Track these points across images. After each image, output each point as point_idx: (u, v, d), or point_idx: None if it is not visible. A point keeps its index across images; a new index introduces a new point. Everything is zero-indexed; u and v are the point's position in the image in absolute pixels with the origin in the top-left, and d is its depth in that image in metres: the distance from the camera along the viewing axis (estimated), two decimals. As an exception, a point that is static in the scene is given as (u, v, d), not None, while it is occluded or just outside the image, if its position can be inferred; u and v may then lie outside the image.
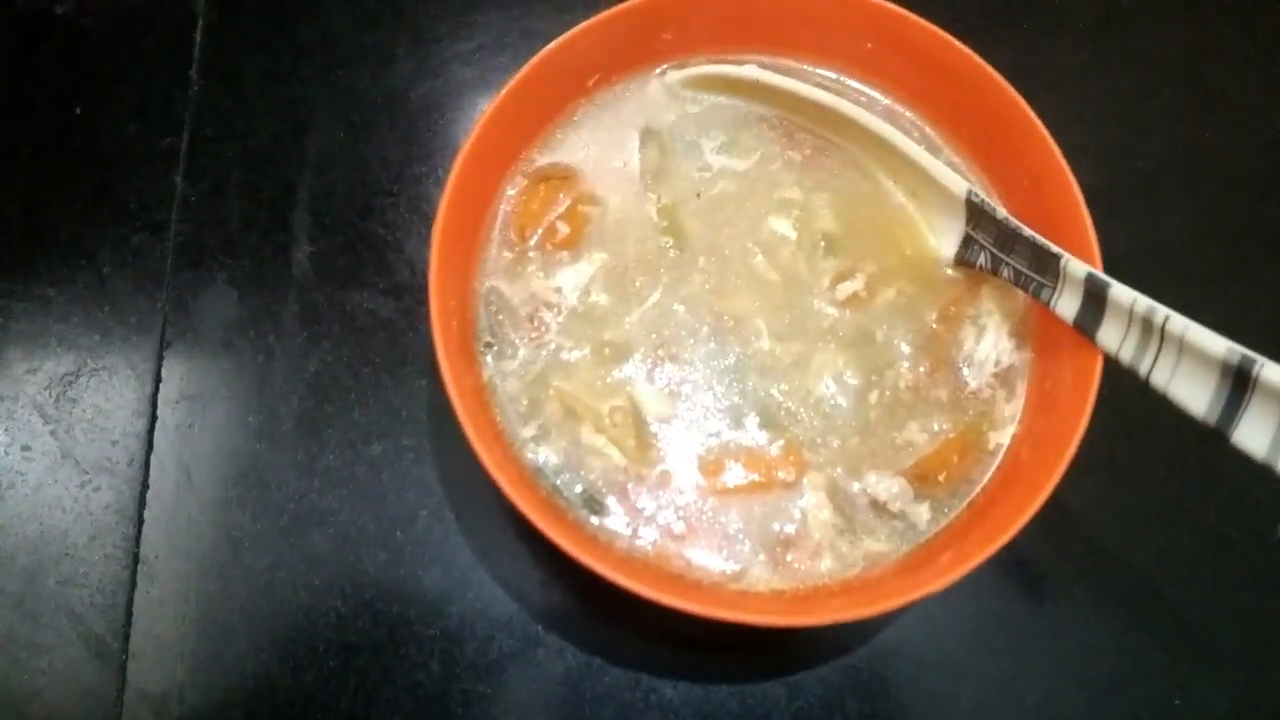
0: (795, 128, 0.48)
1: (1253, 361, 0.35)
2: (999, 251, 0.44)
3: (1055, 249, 0.41)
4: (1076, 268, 0.41)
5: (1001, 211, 0.44)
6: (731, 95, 0.49)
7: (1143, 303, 0.39)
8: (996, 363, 0.45)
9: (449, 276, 0.42)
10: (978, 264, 0.45)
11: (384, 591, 0.49)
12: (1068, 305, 0.42)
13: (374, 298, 0.54)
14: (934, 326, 0.45)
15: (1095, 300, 0.41)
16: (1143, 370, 0.39)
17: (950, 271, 0.46)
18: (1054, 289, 0.42)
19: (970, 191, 0.44)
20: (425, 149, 0.57)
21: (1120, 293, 0.39)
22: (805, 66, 0.50)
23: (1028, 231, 0.43)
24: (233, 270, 0.54)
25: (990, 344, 0.45)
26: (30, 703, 0.46)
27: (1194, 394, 0.38)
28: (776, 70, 0.48)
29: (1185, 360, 0.38)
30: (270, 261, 0.55)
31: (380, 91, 0.58)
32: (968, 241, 0.45)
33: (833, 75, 0.50)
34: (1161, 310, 0.38)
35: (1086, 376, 0.40)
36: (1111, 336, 0.40)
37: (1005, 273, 0.44)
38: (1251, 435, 0.36)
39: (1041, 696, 0.48)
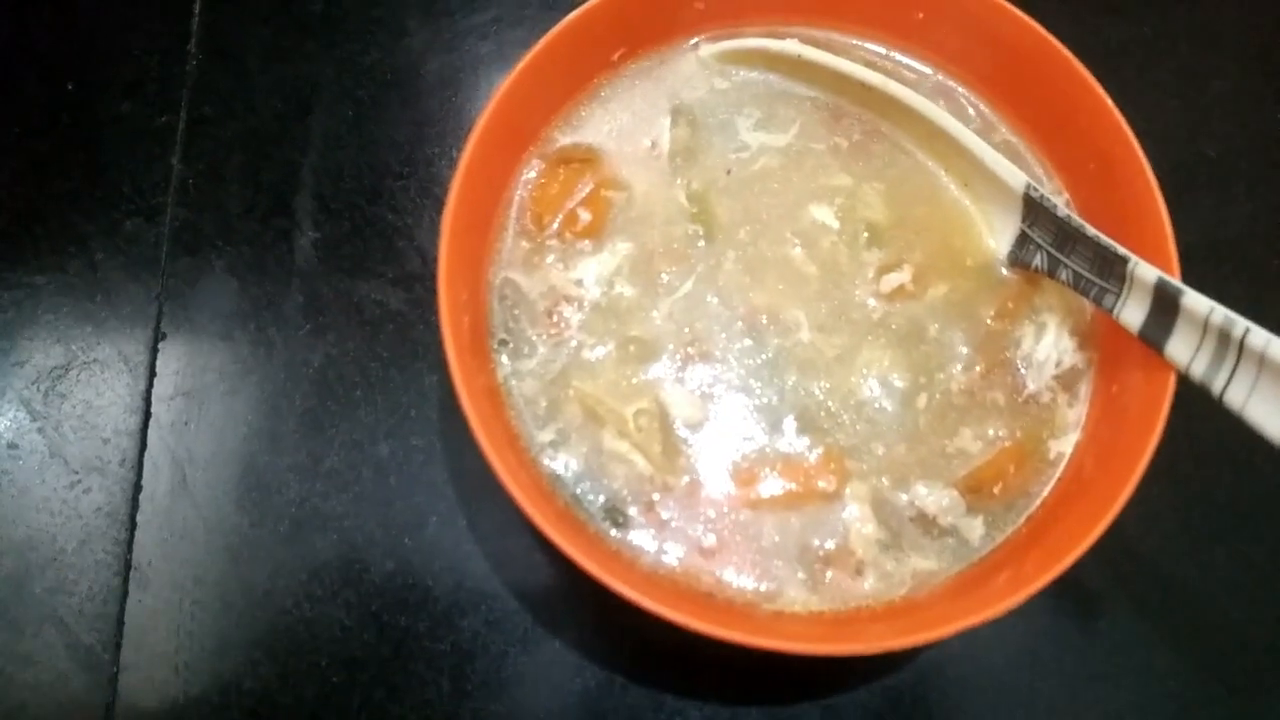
0: (840, 112, 0.46)
1: None
2: (1057, 252, 0.43)
3: (1123, 251, 0.39)
4: (1146, 272, 0.39)
5: (1063, 209, 0.41)
6: (770, 71, 0.47)
7: (1219, 313, 0.37)
8: (1058, 364, 0.43)
9: (460, 268, 0.39)
10: (1033, 265, 0.43)
11: (391, 603, 0.48)
12: (1134, 313, 0.40)
13: (382, 288, 0.53)
14: (989, 323, 0.43)
15: (1166, 308, 0.39)
16: (1216, 388, 0.37)
17: (1005, 272, 0.44)
18: (1118, 295, 0.40)
19: (1029, 185, 0.42)
20: (437, 129, 0.55)
21: (1194, 301, 0.37)
22: (851, 40, 0.48)
23: (1091, 231, 0.40)
24: (232, 258, 0.53)
25: (1051, 343, 0.43)
26: (15, 717, 0.45)
27: (1273, 416, 0.36)
28: (819, 45, 0.46)
29: (1265, 378, 0.36)
30: (272, 249, 0.54)
31: (389, 68, 0.56)
32: (1023, 240, 0.43)
33: (881, 49, 0.48)
34: (1241, 322, 0.36)
35: (1160, 382, 0.38)
36: (1182, 349, 0.38)
37: (1064, 275, 0.42)
38: None
39: (1097, 722, 0.45)
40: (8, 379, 0.50)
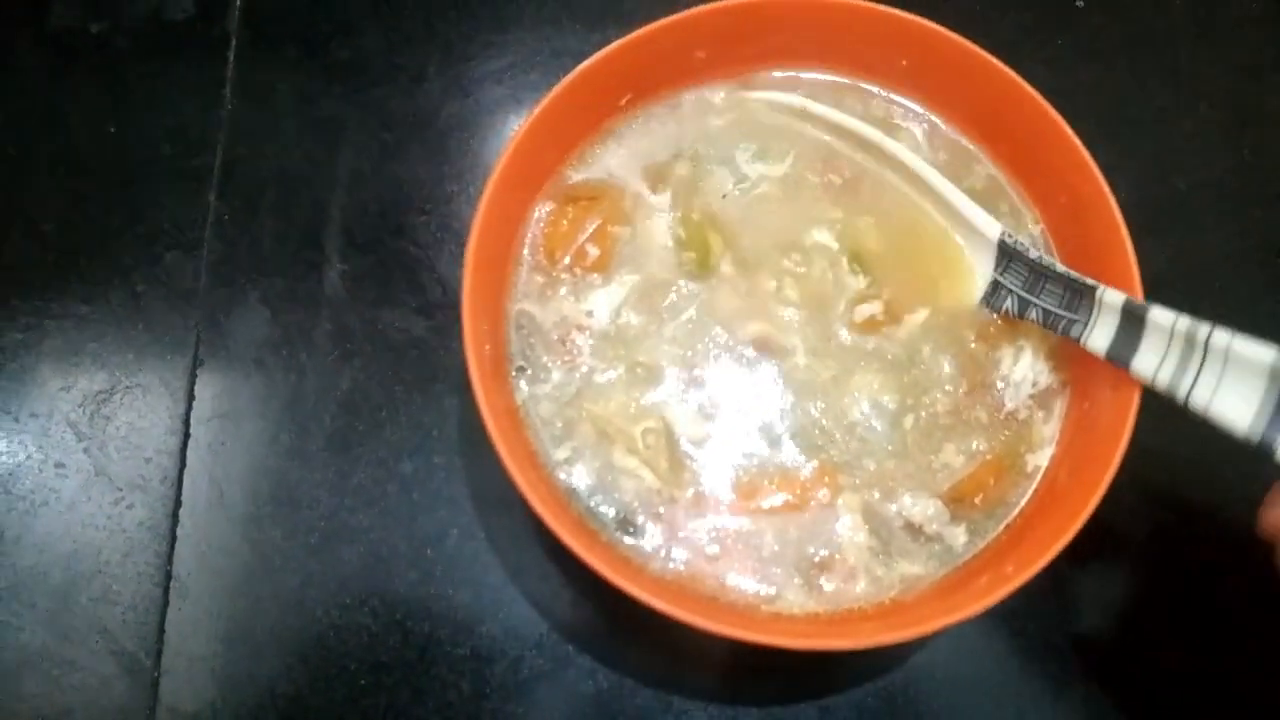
0: (833, 151, 0.49)
1: None
2: (1027, 294, 0.45)
3: (1091, 281, 0.41)
4: (1113, 296, 0.41)
5: (1034, 252, 0.44)
6: (773, 112, 0.49)
7: (1184, 321, 0.39)
8: (1034, 384, 0.45)
9: (481, 301, 0.42)
10: (1003, 309, 0.45)
11: (414, 610, 0.49)
12: (1101, 337, 0.42)
13: (405, 316, 0.54)
14: (972, 346, 0.45)
15: (1133, 326, 0.41)
16: (1181, 393, 0.39)
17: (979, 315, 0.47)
18: (1086, 324, 0.42)
19: (1004, 232, 0.45)
20: (456, 168, 0.57)
21: (1160, 314, 0.39)
22: (846, 80, 0.50)
23: (1061, 268, 0.43)
24: (265, 289, 0.55)
25: (1028, 365, 0.45)
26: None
27: (1239, 409, 0.37)
28: (820, 81, 0.49)
29: (1230, 374, 0.38)
30: (302, 280, 0.56)
31: (411, 111, 0.58)
32: (994, 287, 0.46)
33: (875, 88, 0.50)
34: (1205, 325, 0.38)
35: (1126, 397, 0.40)
36: (1149, 361, 0.40)
37: (1033, 314, 0.44)
38: None
39: (1078, 722, 0.48)
40: (55, 402, 0.52)
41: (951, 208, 0.46)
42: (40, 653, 0.48)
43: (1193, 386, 0.39)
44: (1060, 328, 0.43)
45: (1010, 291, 0.45)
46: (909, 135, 0.50)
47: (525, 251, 0.46)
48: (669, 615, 0.38)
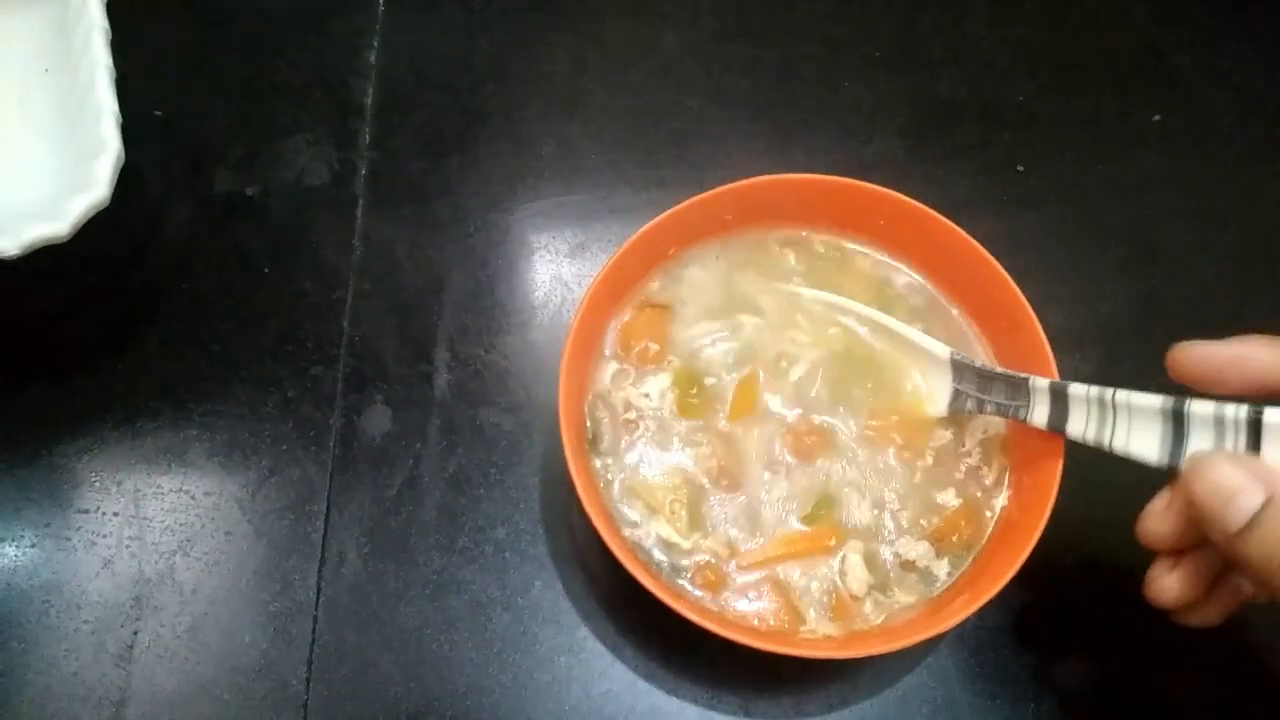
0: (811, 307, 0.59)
1: (1183, 400, 0.42)
2: (981, 394, 0.52)
3: (1023, 375, 0.50)
4: (1040, 382, 0.49)
5: (978, 361, 0.52)
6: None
7: (1094, 389, 0.46)
8: (986, 453, 0.55)
9: (571, 392, 0.53)
10: (966, 409, 0.53)
11: (508, 644, 0.56)
12: (1040, 415, 0.49)
13: (497, 414, 0.62)
14: (947, 435, 0.56)
15: (1060, 401, 0.48)
16: (1105, 442, 0.46)
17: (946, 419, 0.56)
18: (1027, 407, 0.50)
19: (952, 353, 0.53)
20: (533, 299, 0.66)
21: (1076, 388, 0.47)
22: (834, 238, 0.59)
23: (1001, 370, 0.52)
24: (388, 393, 0.62)
25: (980, 439, 0.55)
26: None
27: (1147, 443, 0.44)
28: (813, 236, 0.60)
29: (1135, 420, 0.44)
30: (417, 387, 0.63)
31: (499, 255, 0.67)
32: (956, 395, 0.54)
33: (858, 247, 0.59)
34: (1110, 389, 0.45)
35: (1055, 450, 0.50)
36: (1077, 424, 0.47)
37: (988, 408, 0.52)
38: None
39: (1034, 732, 0.56)
40: (225, 484, 0.60)
41: (913, 343, 0.55)
42: (212, 681, 0.56)
43: (1112, 436, 0.45)
44: (1010, 413, 0.51)
45: (968, 395, 0.53)
46: (895, 286, 0.58)
47: (606, 350, 0.57)
48: (720, 635, 0.47)
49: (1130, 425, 0.45)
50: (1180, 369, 0.44)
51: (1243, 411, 0.41)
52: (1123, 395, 0.45)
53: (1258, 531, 0.40)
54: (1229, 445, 0.42)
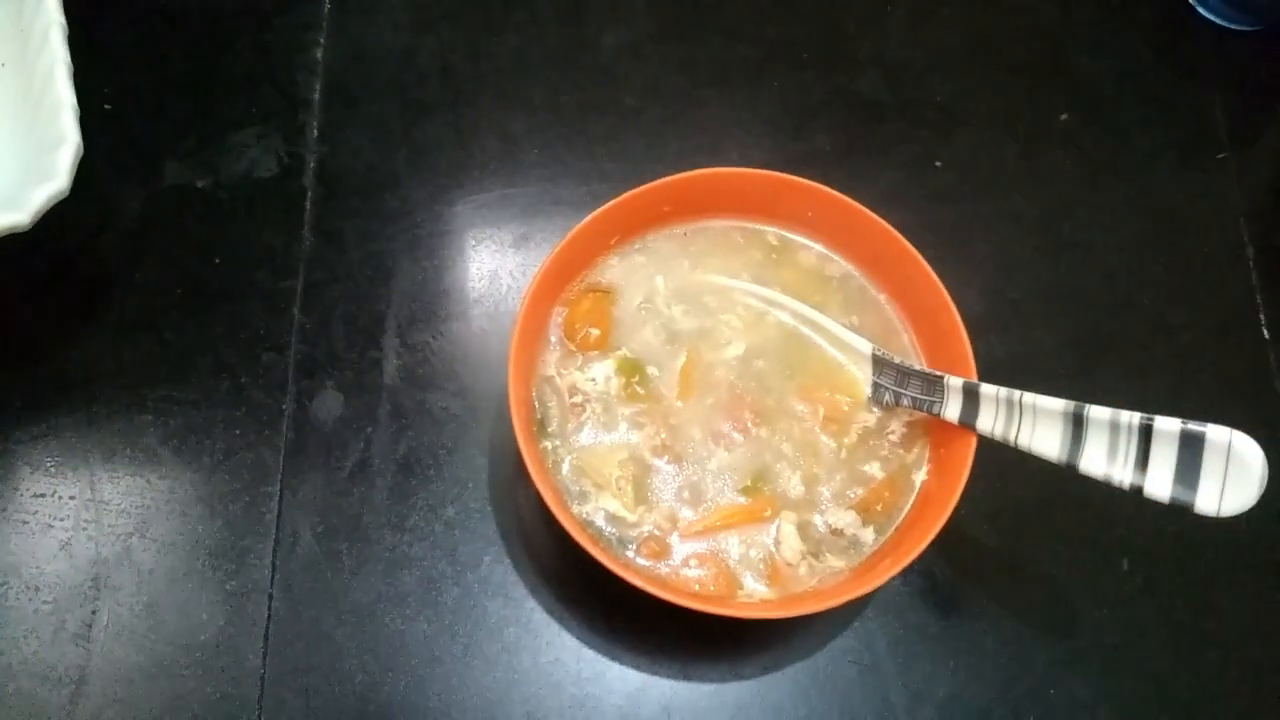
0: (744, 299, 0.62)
1: (1083, 406, 0.46)
2: (899, 388, 0.56)
3: (938, 373, 0.53)
4: (954, 381, 0.52)
5: (898, 359, 0.56)
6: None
7: (1003, 390, 0.49)
8: (909, 434, 0.59)
9: (520, 376, 0.55)
10: (884, 401, 0.57)
11: (459, 617, 0.59)
12: (953, 411, 0.53)
13: (445, 398, 0.64)
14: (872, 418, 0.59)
15: (972, 400, 0.52)
16: (1011, 438, 0.49)
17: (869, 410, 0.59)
18: (941, 402, 0.53)
19: (874, 349, 0.57)
20: (480, 287, 0.69)
21: (987, 388, 0.50)
22: (768, 228, 0.62)
23: (918, 367, 0.56)
24: (339, 379, 0.64)
25: (904, 423, 0.59)
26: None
27: (1049, 443, 0.48)
28: (749, 226, 0.63)
29: (1039, 421, 0.48)
30: (367, 372, 0.65)
31: (445, 245, 0.69)
32: (876, 388, 0.57)
33: (794, 236, 0.62)
34: (1018, 392, 0.49)
35: (968, 442, 0.53)
36: (986, 421, 0.51)
37: (905, 402, 0.55)
38: (1092, 461, 0.46)
39: (950, 690, 0.59)
40: (180, 468, 0.62)
41: (840, 339, 0.59)
42: (171, 658, 0.58)
43: (1018, 433, 0.49)
44: (925, 408, 0.54)
45: (887, 389, 0.56)
46: (832, 277, 0.61)
47: (550, 337, 0.59)
48: (663, 599, 0.50)
49: (1035, 425, 0.49)
50: None
51: (1136, 419, 0.45)
52: (1029, 398, 0.49)
53: None
54: (1122, 449, 0.45)
